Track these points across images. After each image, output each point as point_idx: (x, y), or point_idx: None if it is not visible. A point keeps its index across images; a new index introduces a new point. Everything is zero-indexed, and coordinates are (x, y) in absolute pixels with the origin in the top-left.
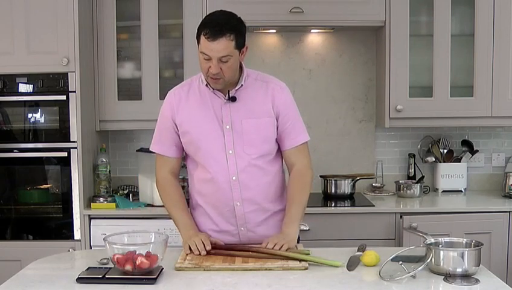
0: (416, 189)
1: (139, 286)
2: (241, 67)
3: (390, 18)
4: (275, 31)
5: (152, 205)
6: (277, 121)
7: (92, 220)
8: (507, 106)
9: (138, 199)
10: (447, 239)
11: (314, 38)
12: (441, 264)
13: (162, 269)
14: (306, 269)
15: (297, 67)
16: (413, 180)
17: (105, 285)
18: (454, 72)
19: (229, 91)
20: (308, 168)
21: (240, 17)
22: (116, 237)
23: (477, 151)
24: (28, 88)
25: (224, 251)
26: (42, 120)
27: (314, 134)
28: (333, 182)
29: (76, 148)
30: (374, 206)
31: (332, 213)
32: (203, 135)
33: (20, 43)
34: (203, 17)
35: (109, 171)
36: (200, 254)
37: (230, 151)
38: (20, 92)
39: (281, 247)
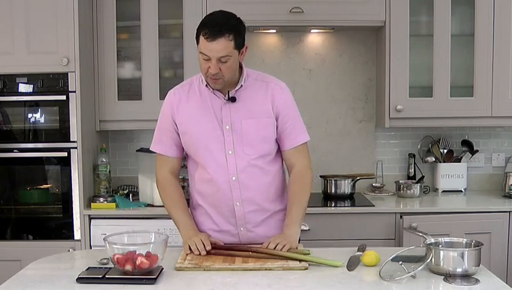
0: (416, 189)
1: (139, 286)
2: (241, 67)
3: (390, 18)
4: (275, 31)
5: (152, 205)
6: (277, 122)
7: (92, 220)
8: (507, 106)
9: (138, 199)
10: (447, 239)
11: (314, 38)
12: (441, 264)
13: (162, 269)
14: (306, 269)
15: (297, 67)
16: (413, 180)
17: (105, 285)
18: (454, 72)
19: (228, 92)
20: (308, 169)
21: (239, 18)
22: (116, 237)
23: (477, 151)
24: (28, 88)
25: (224, 251)
26: (42, 120)
27: (314, 134)
28: (333, 182)
29: (76, 148)
30: (374, 206)
31: (332, 213)
32: (202, 135)
33: (20, 43)
34: (203, 17)
35: (109, 171)
36: (200, 254)
37: (230, 152)
38: (20, 92)
39: (283, 247)
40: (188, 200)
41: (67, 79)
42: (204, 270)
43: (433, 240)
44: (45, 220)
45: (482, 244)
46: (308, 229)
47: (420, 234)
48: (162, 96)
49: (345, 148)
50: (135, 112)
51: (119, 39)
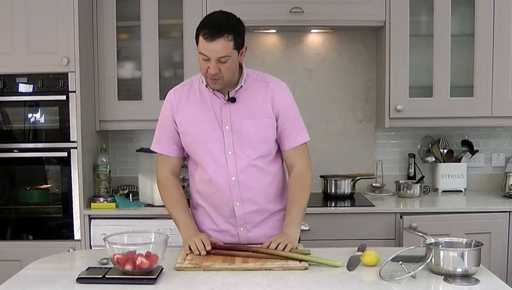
0: (416, 189)
1: (139, 286)
2: (241, 67)
3: (390, 18)
4: (275, 31)
5: (152, 205)
6: (277, 122)
7: (92, 220)
8: (507, 106)
9: (138, 199)
10: (447, 239)
11: (314, 38)
12: (441, 264)
13: (162, 269)
14: (306, 269)
15: (297, 67)
16: (413, 180)
17: (105, 285)
18: (454, 72)
19: (228, 92)
20: (308, 169)
21: (239, 18)
22: (116, 237)
23: (477, 151)
24: (28, 88)
25: (224, 251)
26: (42, 120)
27: (314, 134)
28: (333, 182)
29: (76, 148)
30: (374, 206)
31: (332, 213)
32: (202, 136)
33: (20, 43)
34: (203, 18)
35: (109, 171)
36: (200, 254)
37: (230, 152)
38: (20, 92)
39: (285, 247)
40: (188, 200)
41: (67, 79)
42: (204, 270)
43: (433, 240)
44: (45, 220)
45: (482, 244)
46: (308, 229)
47: (420, 234)
48: (162, 96)
49: (345, 148)
50: (135, 112)
51: (119, 39)
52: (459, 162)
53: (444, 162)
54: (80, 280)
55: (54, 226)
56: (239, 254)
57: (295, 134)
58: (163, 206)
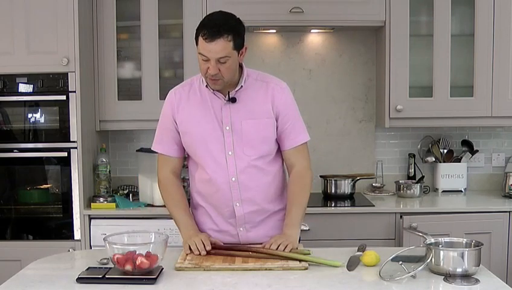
0: (416, 189)
1: (139, 286)
2: (241, 67)
3: (390, 18)
4: (275, 31)
5: (152, 205)
6: (277, 121)
7: (92, 220)
8: (507, 106)
9: (138, 199)
10: (447, 239)
11: (314, 38)
12: (441, 264)
13: (162, 269)
14: (306, 269)
15: (297, 67)
16: (413, 180)
17: (105, 285)
18: (454, 72)
19: (229, 92)
20: (308, 170)
21: (238, 18)
22: (116, 237)
23: (477, 151)
24: (28, 88)
25: (224, 251)
26: (42, 120)
27: (314, 134)
28: (333, 182)
29: (76, 148)
30: (374, 206)
31: (332, 213)
32: (202, 136)
33: (20, 43)
34: (203, 18)
35: (109, 171)
36: (200, 254)
37: (230, 153)
38: (20, 92)
39: (285, 247)
40: (188, 200)
41: (67, 79)
42: (204, 270)
43: (433, 240)
44: (45, 220)
45: (482, 244)
46: (308, 229)
47: (420, 234)
48: (162, 96)
49: (345, 148)
50: (135, 112)
51: (119, 39)
52: (459, 162)
53: (444, 162)
54: (80, 280)
55: (54, 226)
56: (239, 254)
57: (295, 134)
58: (163, 206)
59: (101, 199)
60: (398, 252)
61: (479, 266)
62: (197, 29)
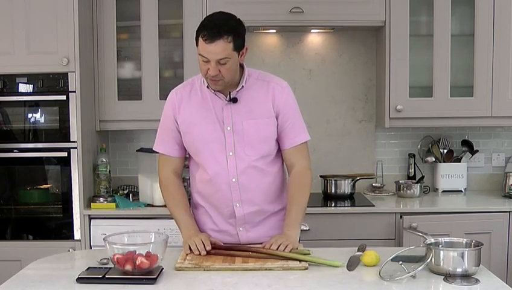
0: (416, 189)
1: (139, 286)
2: (242, 67)
3: (390, 18)
4: (275, 31)
5: (152, 205)
6: (277, 120)
7: (92, 220)
8: (507, 106)
9: (138, 199)
10: (447, 239)
11: (314, 38)
12: (441, 264)
13: (162, 269)
14: (306, 269)
15: (297, 67)
16: (413, 180)
17: (105, 285)
18: (454, 72)
19: (230, 92)
20: (308, 169)
21: (239, 19)
22: (116, 237)
23: (477, 151)
24: (28, 88)
25: (224, 251)
26: (42, 120)
27: (314, 134)
28: (333, 182)
29: (76, 148)
30: (374, 206)
31: (332, 213)
32: (203, 136)
33: (20, 43)
34: (203, 18)
35: (109, 171)
36: (200, 254)
37: (231, 153)
38: (20, 92)
39: (285, 247)
40: (189, 200)
41: (67, 79)
42: (204, 270)
43: (433, 240)
44: (45, 220)
45: (482, 244)
46: (308, 229)
47: (420, 234)
48: (162, 96)
49: (345, 148)
50: (135, 112)
51: (119, 39)
52: (459, 162)
53: (444, 162)
54: (80, 280)
55: (54, 226)
56: (239, 254)
57: (295, 133)
58: (164, 206)
59: (101, 199)
60: (398, 252)
61: (479, 266)
62: (197, 30)
